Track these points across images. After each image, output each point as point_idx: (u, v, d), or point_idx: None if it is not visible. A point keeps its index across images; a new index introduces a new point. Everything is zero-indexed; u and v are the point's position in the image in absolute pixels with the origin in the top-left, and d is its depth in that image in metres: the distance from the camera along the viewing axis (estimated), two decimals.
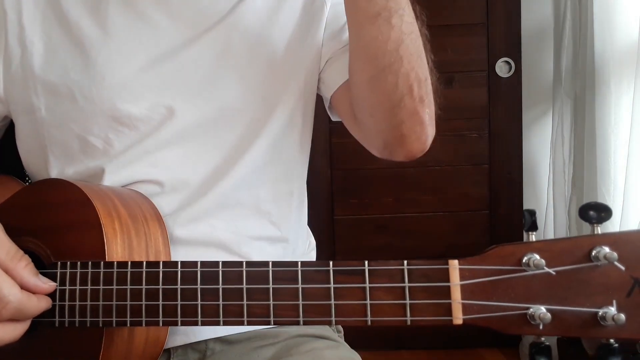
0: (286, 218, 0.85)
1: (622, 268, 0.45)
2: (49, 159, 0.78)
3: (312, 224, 0.94)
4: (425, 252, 2.40)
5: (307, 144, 0.90)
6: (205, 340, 0.77)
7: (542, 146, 2.39)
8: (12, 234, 0.64)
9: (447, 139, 2.40)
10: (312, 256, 0.93)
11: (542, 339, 0.48)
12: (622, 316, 0.45)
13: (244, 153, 0.79)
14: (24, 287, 0.60)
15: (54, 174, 0.78)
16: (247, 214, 0.80)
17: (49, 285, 0.62)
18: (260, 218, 0.81)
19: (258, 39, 0.80)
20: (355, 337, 0.99)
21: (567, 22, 2.13)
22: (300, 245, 0.89)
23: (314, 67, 0.84)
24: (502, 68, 2.39)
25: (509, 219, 2.41)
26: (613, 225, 1.57)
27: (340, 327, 0.90)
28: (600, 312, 0.46)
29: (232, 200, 0.78)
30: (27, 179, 0.93)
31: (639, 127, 1.63)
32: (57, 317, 0.62)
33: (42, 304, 0.61)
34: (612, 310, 0.46)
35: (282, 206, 0.84)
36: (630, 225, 1.59)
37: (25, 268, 0.60)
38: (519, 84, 2.39)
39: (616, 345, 0.46)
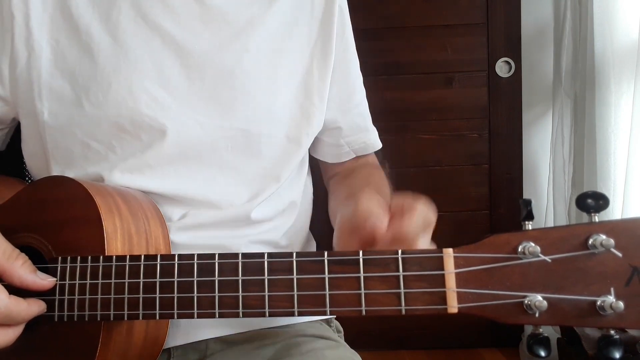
0: (292, 226, 0.85)
1: (620, 255, 0.45)
2: (50, 162, 0.78)
3: (312, 224, 0.94)
4: None
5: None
6: (206, 340, 0.77)
7: (542, 146, 2.40)
8: (13, 231, 0.64)
9: (447, 139, 2.41)
10: None
11: (540, 329, 0.48)
12: (621, 304, 0.44)
13: (266, 189, 0.79)
14: (22, 286, 0.59)
15: None
16: (255, 225, 0.80)
17: (48, 281, 0.61)
18: (266, 227, 0.81)
19: (271, 61, 0.80)
20: (355, 337, 0.98)
21: (567, 22, 2.14)
22: (300, 248, 0.89)
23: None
24: (502, 68, 2.39)
25: (509, 218, 2.41)
26: None
27: (340, 327, 0.90)
28: (599, 300, 0.45)
29: (237, 219, 0.78)
30: (27, 180, 0.93)
31: (639, 127, 1.63)
32: (56, 311, 0.61)
33: (33, 308, 0.60)
34: (611, 298, 0.45)
35: (289, 216, 0.85)
36: None
37: (22, 266, 0.60)
38: (519, 84, 2.39)
39: (617, 336, 0.45)
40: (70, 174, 0.76)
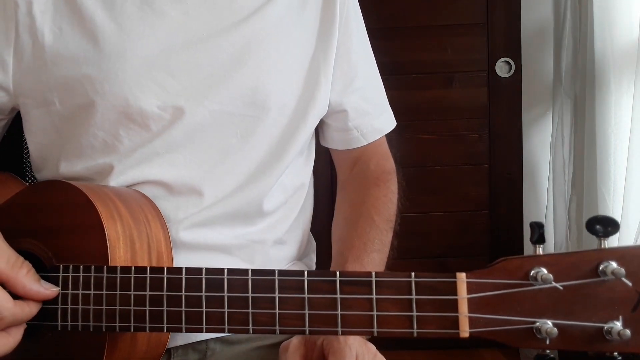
0: (292, 223, 0.85)
1: (629, 284, 0.45)
2: (60, 153, 0.78)
3: (312, 224, 0.94)
4: (425, 252, 2.40)
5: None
6: (206, 340, 0.77)
7: (542, 146, 2.39)
8: (12, 235, 0.64)
9: (447, 139, 2.40)
10: (312, 258, 0.93)
11: (547, 350, 0.48)
12: (628, 332, 0.45)
13: (267, 172, 0.79)
14: (26, 295, 0.59)
15: (63, 167, 0.77)
16: (255, 221, 0.80)
17: (51, 290, 0.61)
18: (267, 224, 0.81)
19: (279, 46, 0.80)
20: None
21: (567, 22, 2.13)
22: (301, 248, 0.90)
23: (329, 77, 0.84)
24: (502, 68, 2.39)
25: (509, 219, 2.41)
26: None
27: None
28: (606, 327, 0.46)
29: (244, 210, 0.78)
30: (26, 176, 0.92)
31: (639, 127, 1.63)
32: (59, 321, 0.61)
33: (33, 310, 0.60)
34: (618, 325, 0.46)
35: (290, 213, 0.85)
36: (631, 225, 1.59)
37: (26, 275, 0.60)
38: (519, 84, 2.39)
39: (620, 358, 0.46)
40: (79, 164, 0.76)
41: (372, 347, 0.66)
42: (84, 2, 0.75)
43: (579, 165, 1.98)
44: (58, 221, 0.66)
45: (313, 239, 0.95)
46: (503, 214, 2.42)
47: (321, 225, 0.95)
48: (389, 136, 0.95)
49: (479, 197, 2.44)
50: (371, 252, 0.81)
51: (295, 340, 0.66)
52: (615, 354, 0.45)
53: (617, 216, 1.66)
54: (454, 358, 2.35)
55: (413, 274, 0.51)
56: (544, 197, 2.30)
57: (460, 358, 2.35)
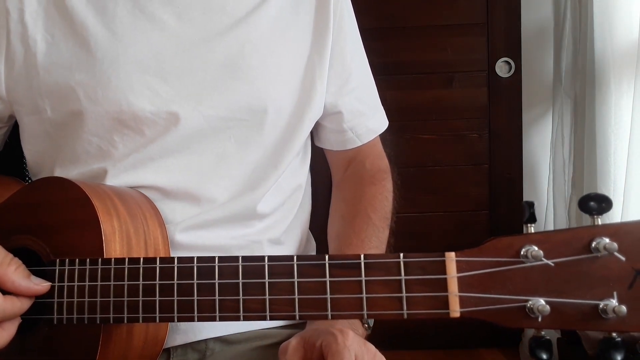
0: (290, 223, 0.85)
1: (623, 259, 0.44)
2: (55, 159, 0.78)
3: (312, 223, 0.94)
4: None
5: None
6: (205, 340, 0.77)
7: (542, 146, 2.40)
8: (10, 232, 0.64)
9: (447, 139, 2.41)
10: None
11: (542, 333, 0.48)
12: (624, 308, 0.44)
13: (264, 177, 0.79)
14: (16, 291, 0.60)
15: (58, 173, 0.77)
16: (253, 224, 0.80)
17: (42, 286, 0.61)
18: (264, 225, 0.81)
19: (273, 50, 0.79)
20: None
21: (567, 22, 2.14)
22: (300, 247, 0.89)
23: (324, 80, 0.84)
24: (502, 68, 2.39)
25: (509, 218, 2.41)
26: None
27: None
28: (601, 304, 0.45)
29: (241, 214, 0.78)
30: (27, 179, 0.92)
31: (639, 127, 1.63)
32: (55, 314, 0.61)
33: (24, 305, 0.60)
34: (613, 302, 0.45)
35: (288, 213, 0.85)
36: None
37: (15, 272, 0.60)
38: (519, 84, 2.39)
39: (619, 339, 0.45)
40: (74, 170, 0.76)
41: (372, 347, 0.65)
42: (75, 8, 0.75)
43: (579, 165, 1.98)
44: (56, 217, 0.66)
45: (312, 239, 0.95)
46: (503, 214, 2.42)
47: (321, 225, 0.94)
48: (382, 136, 0.95)
49: (479, 197, 2.44)
50: (369, 249, 0.81)
51: (294, 342, 0.65)
52: (614, 334, 0.45)
53: (617, 216, 1.65)
54: (454, 358, 2.35)
55: (402, 254, 0.51)
56: (544, 197, 2.30)
57: (460, 358, 2.35)
